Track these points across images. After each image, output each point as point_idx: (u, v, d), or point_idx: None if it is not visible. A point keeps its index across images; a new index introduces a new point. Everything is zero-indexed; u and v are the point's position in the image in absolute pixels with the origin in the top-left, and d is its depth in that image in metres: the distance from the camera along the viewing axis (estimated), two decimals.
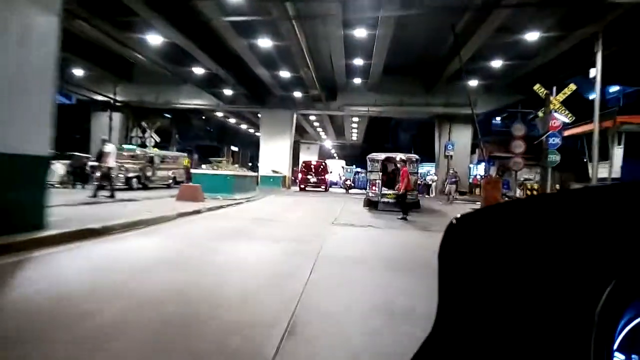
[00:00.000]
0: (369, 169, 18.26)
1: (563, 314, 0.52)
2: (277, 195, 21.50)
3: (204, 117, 46.67)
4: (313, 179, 29.59)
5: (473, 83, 26.29)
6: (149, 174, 20.24)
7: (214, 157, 53.73)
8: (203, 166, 20.42)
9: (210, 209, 12.32)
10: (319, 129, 44.38)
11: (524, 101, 28.99)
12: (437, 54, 23.64)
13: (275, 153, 29.90)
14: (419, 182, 18.21)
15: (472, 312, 0.57)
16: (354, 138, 49.81)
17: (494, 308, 0.55)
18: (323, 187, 29.67)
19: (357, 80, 26.74)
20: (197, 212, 11.51)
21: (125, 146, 22.83)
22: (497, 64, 22.61)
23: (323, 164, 31.03)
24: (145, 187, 19.51)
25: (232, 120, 40.12)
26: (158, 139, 28.65)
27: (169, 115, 37.16)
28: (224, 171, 16.87)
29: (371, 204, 16.62)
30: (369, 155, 18.23)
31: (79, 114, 34.15)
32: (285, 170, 30.16)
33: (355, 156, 68.52)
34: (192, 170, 17.75)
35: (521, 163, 16.47)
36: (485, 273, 0.57)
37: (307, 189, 29.23)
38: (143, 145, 28.74)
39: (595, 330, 0.50)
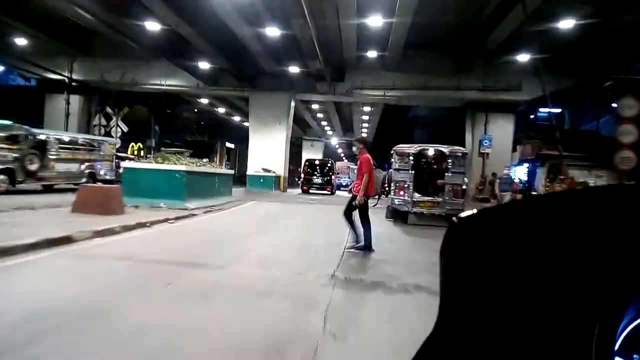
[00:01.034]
0: (394, 166, 12.80)
1: (565, 314, 0.52)
2: (264, 202, 15.71)
3: (195, 110, 40.99)
4: (318, 180, 26.05)
5: (523, 58, 20.36)
6: (32, 166, 13.12)
7: (207, 155, 48.21)
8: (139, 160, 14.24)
9: (107, 233, 6.54)
10: (324, 123, 38.48)
11: (577, 87, 22.98)
12: (474, 19, 17.78)
13: (267, 147, 24.10)
14: (463, 186, 12.47)
15: (473, 312, 0.57)
16: (364, 134, 43.85)
17: (496, 308, 0.56)
18: (329, 189, 25.93)
19: (372, 55, 20.85)
20: (67, 240, 5.74)
21: None
22: (566, 24, 16.58)
23: (329, 163, 27.42)
24: (37, 189, 13.61)
25: (222, 110, 34.35)
26: (125, 128, 22.90)
27: (144, 105, 31.54)
28: (172, 166, 11.09)
29: (397, 216, 12.18)
30: (396, 148, 12.95)
31: (37, 98, 28.59)
32: (280, 168, 24.35)
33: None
34: (123, 164, 11.92)
35: (633, 159, 10.56)
36: (487, 273, 0.57)
37: (310, 191, 25.68)
38: (108, 135, 23.31)
39: (596, 330, 0.50)
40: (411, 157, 13.14)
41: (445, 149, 12.75)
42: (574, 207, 0.58)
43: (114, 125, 22.78)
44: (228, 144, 49.20)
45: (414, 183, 12.23)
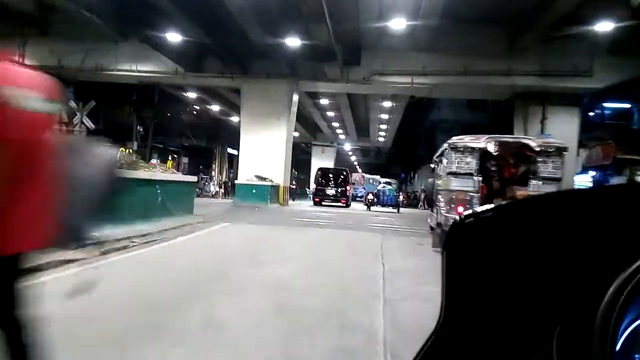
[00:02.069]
0: (448, 169, 8.91)
1: (566, 313, 0.53)
2: (243, 223, 10.66)
3: (192, 111, 36.35)
4: (331, 192, 23.58)
5: (597, 31, 15.16)
6: None
7: (206, 161, 43.43)
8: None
9: None
10: (335, 125, 33.38)
11: None
12: None
13: (263, 150, 19.12)
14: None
15: (475, 312, 0.57)
16: (381, 138, 38.78)
17: (497, 308, 0.56)
18: (344, 201, 23.29)
19: (397, 26, 15.71)
20: None
21: None
22: None
23: (344, 172, 25.15)
24: None
25: (215, 108, 29.51)
26: (91, 126, 18.25)
27: (128, 102, 26.87)
28: None
29: None
30: (452, 141, 9.27)
31: None
32: (280, 176, 19.30)
33: (378, 166, 57.40)
34: None
35: None
36: (489, 274, 0.58)
37: (323, 203, 23.14)
38: (70, 134, 18.72)
39: (597, 331, 0.50)
40: (476, 155, 8.84)
41: (532, 141, 9.15)
42: (578, 207, 0.57)
43: (77, 122, 18.17)
44: (230, 150, 44.39)
45: (482, 195, 8.70)
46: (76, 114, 17.66)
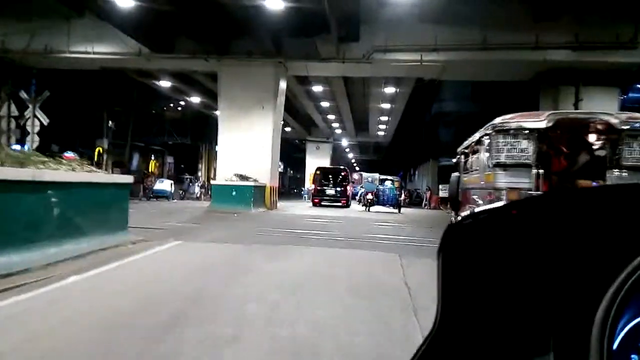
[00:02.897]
0: (495, 159, 6.64)
1: (564, 314, 0.53)
2: (204, 241, 7.68)
3: (178, 106, 33.30)
4: (331, 191, 23.32)
5: None
6: None
7: (193, 160, 40.32)
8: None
9: None
10: (331, 117, 30.35)
11: None
12: None
13: (246, 144, 16.16)
14: None
15: (472, 316, 0.57)
16: (381, 132, 35.89)
17: (494, 311, 0.56)
18: (344, 201, 23.01)
19: None
20: None
21: None
22: None
23: (344, 171, 24.78)
24: None
25: (195, 100, 26.38)
26: (45, 120, 15.36)
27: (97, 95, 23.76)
28: None
29: None
30: (498, 120, 6.72)
31: None
32: (266, 174, 16.34)
33: (377, 163, 54.48)
34: None
35: None
36: (486, 276, 0.57)
37: (322, 203, 22.90)
38: (22, 130, 16.15)
39: (595, 330, 0.51)
40: (533, 140, 6.52)
41: (613, 117, 6.61)
42: (574, 207, 0.57)
43: (29, 117, 15.32)
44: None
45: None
46: (28, 107, 14.74)
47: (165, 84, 21.56)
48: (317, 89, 21.54)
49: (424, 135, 40.41)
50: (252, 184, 15.17)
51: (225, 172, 15.91)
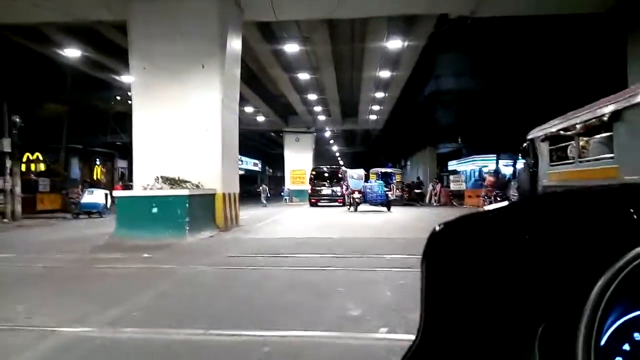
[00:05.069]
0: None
1: (551, 313, 0.53)
2: None
3: (120, 97, 26.59)
4: (327, 191, 24.68)
5: None
6: None
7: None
8: None
9: None
10: (311, 97, 24.00)
11: None
12: None
13: (175, 126, 9.96)
14: None
15: (457, 321, 0.57)
16: (373, 116, 29.94)
17: (479, 315, 0.56)
18: (340, 201, 23.81)
19: None
20: None
21: None
22: None
23: (340, 172, 25.83)
24: None
25: (129, 80, 19.77)
26: None
27: None
28: None
29: None
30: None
31: None
32: (216, 174, 10.13)
33: (364, 155, 48.60)
34: None
35: None
36: (471, 281, 0.57)
37: (319, 204, 24.26)
38: None
39: (582, 327, 0.51)
40: None
41: None
42: (559, 208, 0.58)
43: None
44: None
45: None
46: None
47: (72, 52, 14.94)
48: (292, 49, 15.15)
49: (418, 119, 34.51)
50: (186, 192, 8.91)
51: (143, 175, 9.66)
